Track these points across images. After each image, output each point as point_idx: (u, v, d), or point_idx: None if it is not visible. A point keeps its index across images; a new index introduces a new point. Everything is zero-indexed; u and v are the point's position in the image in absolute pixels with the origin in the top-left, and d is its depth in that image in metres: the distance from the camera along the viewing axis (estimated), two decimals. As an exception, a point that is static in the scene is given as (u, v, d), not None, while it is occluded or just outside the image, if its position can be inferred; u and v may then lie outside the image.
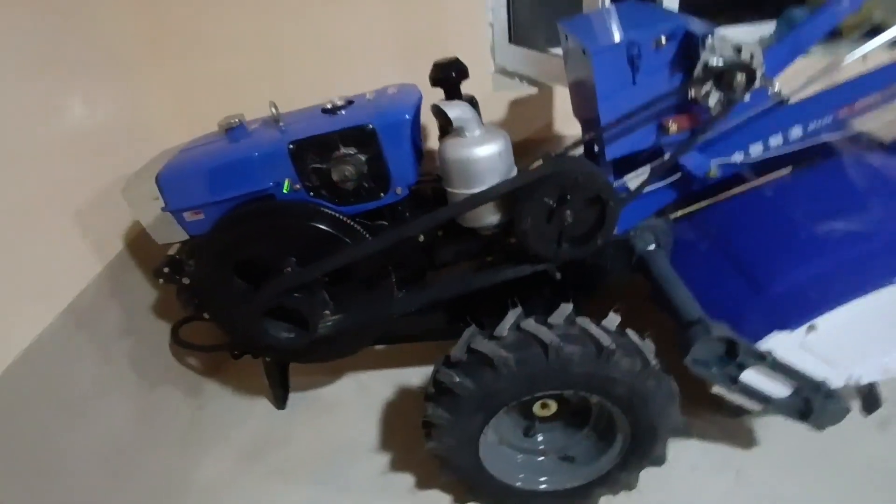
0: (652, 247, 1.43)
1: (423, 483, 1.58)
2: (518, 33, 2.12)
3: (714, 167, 1.29)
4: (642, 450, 1.30)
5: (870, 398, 1.45)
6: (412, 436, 1.69)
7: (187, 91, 1.89)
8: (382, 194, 1.31)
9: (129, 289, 1.66)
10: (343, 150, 1.26)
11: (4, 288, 1.24)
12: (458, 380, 1.18)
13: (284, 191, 1.28)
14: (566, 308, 1.22)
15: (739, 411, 1.63)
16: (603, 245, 1.30)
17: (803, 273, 1.20)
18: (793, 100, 1.26)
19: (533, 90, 1.99)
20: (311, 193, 1.30)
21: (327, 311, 1.38)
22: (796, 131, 1.25)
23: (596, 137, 1.29)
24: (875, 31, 1.40)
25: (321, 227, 1.28)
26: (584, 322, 1.18)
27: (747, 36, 2.12)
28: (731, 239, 1.41)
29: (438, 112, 1.22)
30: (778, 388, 1.26)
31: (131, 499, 1.55)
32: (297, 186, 1.29)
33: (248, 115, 1.40)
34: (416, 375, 1.96)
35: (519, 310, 1.23)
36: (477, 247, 1.43)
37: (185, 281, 1.41)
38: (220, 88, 1.88)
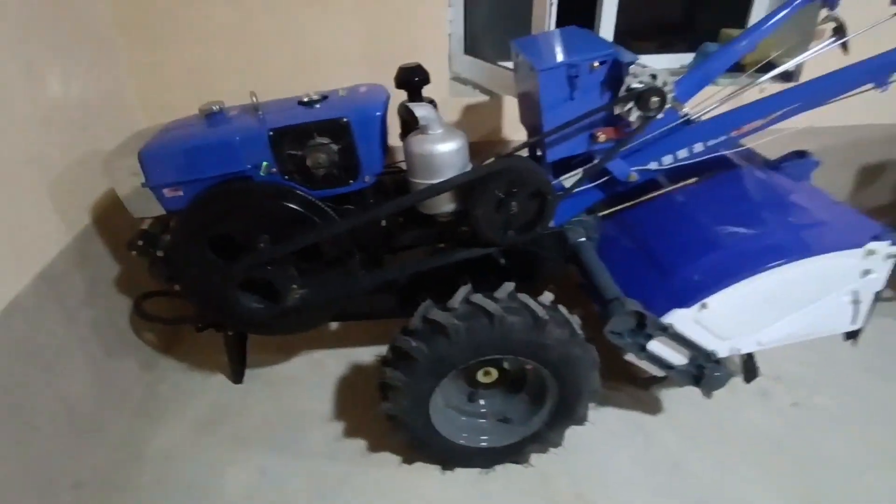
0: (582, 239, 1.66)
1: (373, 447, 1.74)
2: (473, 45, 2.33)
3: (633, 173, 1.53)
4: (568, 410, 1.53)
5: (749, 369, 1.75)
6: (363, 406, 1.86)
7: (161, 77, 1.96)
8: (352, 181, 1.47)
9: (95, 261, 1.72)
10: (318, 140, 1.40)
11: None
12: (414, 345, 1.36)
13: (262, 173, 1.41)
14: (509, 286, 1.42)
15: (650, 384, 1.92)
16: (542, 236, 1.52)
17: (699, 263, 1.47)
18: (698, 121, 1.54)
19: (485, 98, 2.20)
20: (286, 177, 1.44)
21: (295, 286, 1.52)
22: (698, 146, 1.52)
23: (539, 142, 1.50)
24: (769, 65, 1.71)
25: (294, 207, 1.42)
26: (524, 297, 1.39)
27: (672, 64, 2.44)
28: (646, 235, 1.67)
29: (406, 111, 1.39)
30: (677, 357, 1.51)
31: (91, 462, 1.61)
32: (274, 170, 1.42)
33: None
34: (368, 354, 2.11)
35: (469, 286, 1.42)
36: (433, 233, 1.61)
37: (159, 253, 1.50)
38: (194, 77, 1.96)
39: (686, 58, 2.45)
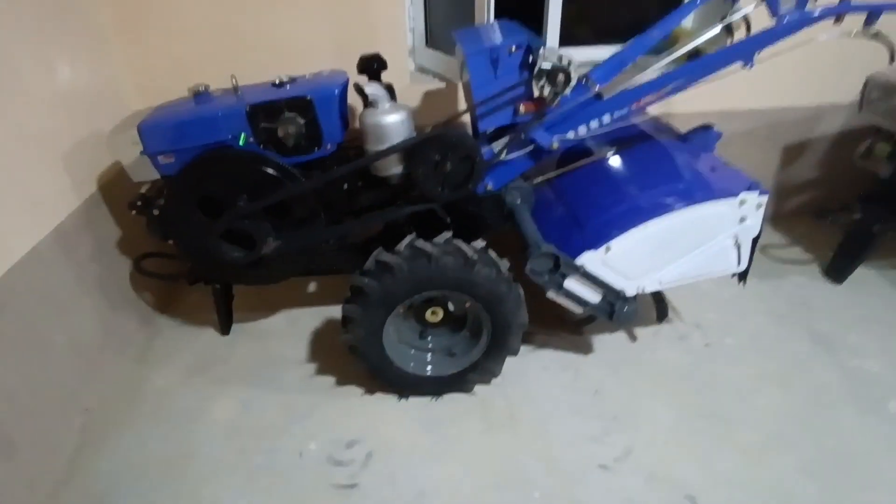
0: (518, 201, 1.96)
1: (339, 382, 2.03)
2: (434, 38, 2.62)
3: (556, 141, 1.82)
4: (501, 341, 1.81)
5: (660, 308, 2.04)
6: (332, 352, 2.15)
7: (153, 67, 2.25)
8: (316, 149, 1.76)
9: (100, 224, 2.00)
10: (287, 114, 1.69)
11: (5, 207, 1.57)
12: (367, 281, 1.64)
13: (241, 143, 1.70)
14: (446, 234, 1.71)
15: (579, 327, 2.21)
16: (483, 198, 1.81)
17: (605, 214, 1.76)
18: (605, 97, 1.83)
19: (442, 85, 2.49)
20: (261, 146, 1.73)
21: (270, 238, 1.80)
22: (606, 118, 1.81)
23: (472, 115, 1.79)
24: (697, 51, 2.00)
25: (268, 170, 1.71)
26: (458, 242, 1.68)
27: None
28: (570, 196, 1.96)
29: (359, 90, 1.68)
30: (591, 295, 1.81)
31: (98, 393, 1.89)
32: (251, 139, 1.71)
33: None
34: (339, 311, 2.39)
35: (414, 235, 1.71)
36: (387, 195, 1.90)
37: (155, 212, 1.78)
38: (181, 67, 2.25)
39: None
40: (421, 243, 1.64)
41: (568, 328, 2.21)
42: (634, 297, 1.83)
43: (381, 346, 1.77)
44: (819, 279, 2.52)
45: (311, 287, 2.57)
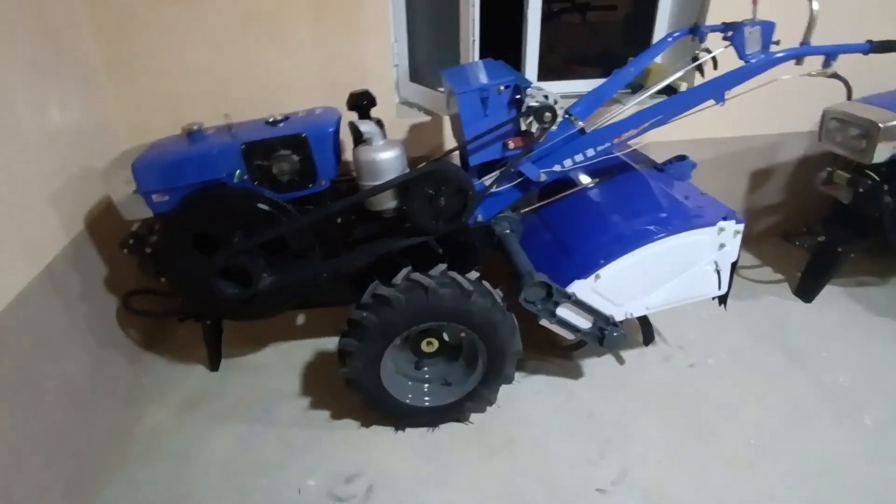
0: (507, 231, 2.02)
1: (335, 415, 2.03)
2: (418, 73, 2.71)
3: (542, 174, 1.90)
4: (496, 370, 1.85)
5: (646, 332, 2.12)
6: (327, 385, 2.15)
7: (143, 106, 2.26)
8: (310, 185, 1.79)
9: (88, 262, 1.98)
10: (282, 152, 1.73)
11: (-2, 247, 1.56)
12: (365, 315, 1.67)
13: (235, 180, 1.72)
14: (441, 266, 1.76)
15: (569, 352, 2.27)
16: (473, 229, 1.87)
17: (592, 243, 1.84)
18: (588, 131, 1.93)
19: (427, 118, 2.57)
20: (256, 182, 1.75)
21: (265, 273, 1.81)
22: (591, 152, 1.90)
23: (463, 151, 1.86)
24: (669, 87, 2.13)
25: (263, 206, 1.73)
26: (453, 274, 1.73)
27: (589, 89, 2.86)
28: (557, 225, 2.03)
29: (354, 127, 1.73)
30: (582, 322, 1.87)
31: (87, 437, 1.85)
32: (245, 177, 1.73)
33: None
34: (331, 343, 2.39)
35: (410, 268, 1.75)
36: (380, 228, 1.93)
37: (148, 250, 1.78)
38: (171, 105, 2.27)
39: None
40: (417, 276, 1.68)
41: (558, 353, 2.27)
42: (622, 323, 1.90)
43: (379, 379, 1.79)
44: (790, 298, 2.65)
45: (300, 320, 2.57)
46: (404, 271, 1.73)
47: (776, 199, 3.09)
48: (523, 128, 1.76)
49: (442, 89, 2.47)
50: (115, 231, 2.05)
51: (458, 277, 1.71)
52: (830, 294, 2.62)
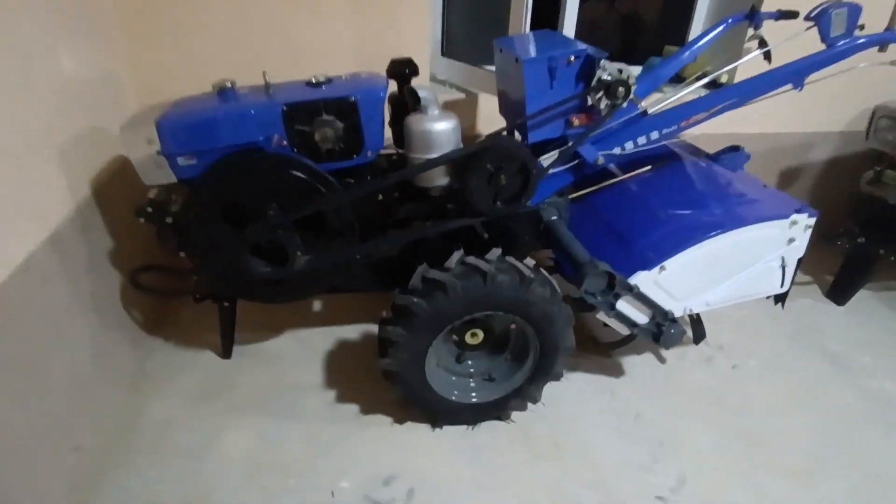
0: (555, 217, 1.87)
1: (365, 410, 1.86)
2: (449, 48, 2.54)
3: (601, 156, 1.77)
4: (547, 366, 1.71)
5: (697, 331, 2.01)
6: (353, 376, 1.98)
7: (157, 64, 2.05)
8: (354, 156, 1.61)
9: (94, 231, 1.76)
10: (325, 117, 1.55)
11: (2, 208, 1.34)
12: (416, 300, 1.51)
13: (273, 145, 1.53)
14: (497, 251, 1.61)
15: (610, 349, 2.14)
16: (519, 214, 1.71)
17: (656, 232, 1.71)
18: (653, 114, 1.80)
19: (460, 96, 2.40)
20: (295, 150, 1.57)
21: (299, 252, 1.63)
22: (654, 135, 1.77)
23: (520, 127, 1.71)
24: (704, 77, 2.01)
25: (303, 177, 1.55)
26: (511, 259, 1.58)
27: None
28: (609, 214, 1.89)
29: (411, 93, 1.56)
30: (640, 316, 1.74)
31: (90, 428, 1.64)
32: (284, 142, 1.54)
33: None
34: (353, 331, 2.23)
35: (462, 251, 1.60)
36: (425, 208, 1.77)
37: (169, 221, 1.58)
38: (188, 67, 2.05)
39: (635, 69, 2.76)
40: (474, 260, 1.53)
41: (597, 350, 2.14)
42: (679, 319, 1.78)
43: (423, 373, 1.63)
44: (822, 301, 2.59)
45: (317, 305, 2.38)
46: (457, 254, 1.57)
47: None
48: (590, 103, 1.62)
49: (488, 67, 2.30)
50: (123, 199, 1.85)
51: (518, 264, 1.56)
52: (862, 298, 2.56)
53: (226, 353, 2.05)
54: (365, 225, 1.71)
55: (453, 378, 1.76)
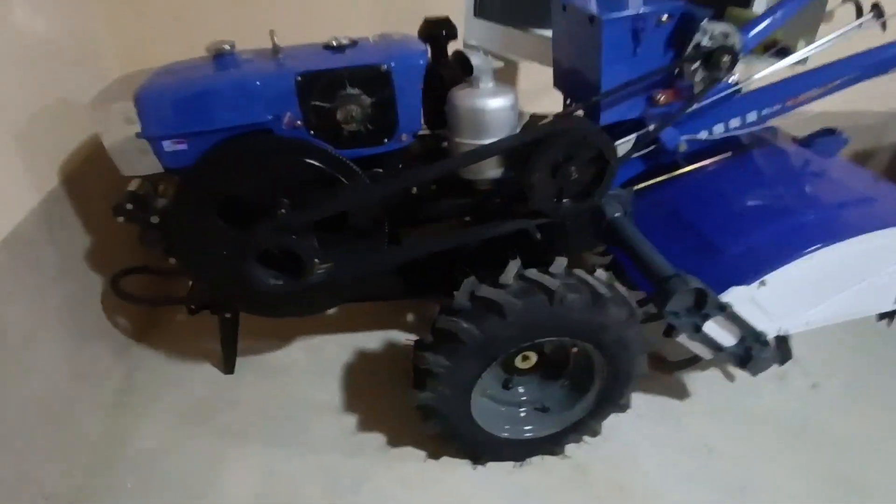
0: (619, 213, 1.55)
1: (392, 441, 1.58)
2: (482, 8, 2.16)
3: (683, 142, 1.44)
4: (615, 396, 1.42)
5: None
6: (374, 396, 1.69)
7: (139, 26, 1.70)
8: (386, 140, 1.28)
9: (65, 230, 1.45)
10: (350, 90, 1.21)
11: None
12: (465, 326, 1.20)
13: (284, 126, 1.20)
14: (562, 260, 1.29)
15: (678, 368, 1.85)
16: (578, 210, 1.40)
17: (754, 237, 1.39)
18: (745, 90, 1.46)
19: (498, 64, 2.05)
20: (312, 132, 1.24)
21: (317, 259, 1.32)
22: (752, 116, 1.44)
23: (590, 104, 1.37)
24: (782, 50, 1.66)
25: (323, 167, 1.22)
26: (581, 273, 1.27)
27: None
28: (685, 211, 1.57)
29: (460, 60, 1.22)
30: (727, 338, 1.44)
31: (64, 469, 1.36)
32: (299, 123, 1.22)
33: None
34: (372, 339, 1.93)
35: (518, 261, 1.28)
36: (466, 204, 1.45)
37: (154, 220, 1.27)
38: (176, 28, 1.71)
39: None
40: (536, 274, 1.22)
41: (654, 366, 1.84)
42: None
43: (468, 409, 1.34)
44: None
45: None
46: (513, 266, 1.26)
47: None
48: (677, 72, 1.29)
49: (538, 31, 1.94)
50: (101, 189, 1.52)
51: (590, 279, 1.25)
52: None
53: (228, 367, 1.76)
54: (394, 223, 1.40)
55: (501, 409, 1.47)
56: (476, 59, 1.23)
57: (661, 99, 1.34)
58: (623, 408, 1.47)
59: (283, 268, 1.30)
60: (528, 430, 1.45)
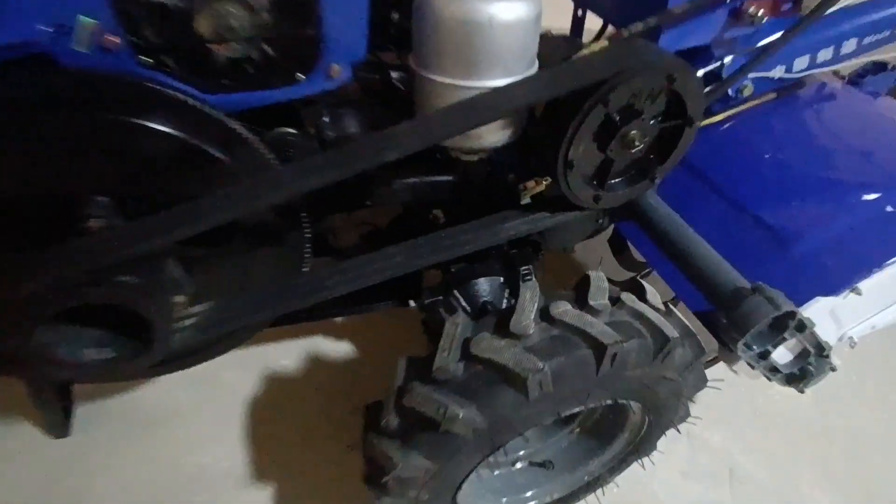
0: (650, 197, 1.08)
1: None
2: None
3: (749, 83, 0.98)
4: (647, 448, 1.03)
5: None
6: (305, 451, 1.18)
7: None
8: (301, 75, 0.68)
9: None
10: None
11: None
12: (461, 414, 0.70)
13: (79, 46, 0.56)
14: (600, 280, 0.81)
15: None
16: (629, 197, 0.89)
17: (837, 228, 1.00)
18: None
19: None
20: (144, 59, 0.60)
21: (181, 297, 0.72)
22: (849, 45, 1.00)
23: (653, 25, 0.84)
24: None
25: (169, 131, 0.61)
26: (634, 302, 0.79)
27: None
28: (723, 177, 1.14)
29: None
30: (786, 357, 1.08)
31: None
32: (115, 39, 0.57)
33: None
34: (286, 355, 1.38)
35: (535, 286, 0.78)
36: (437, 185, 0.89)
37: None
38: None
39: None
40: (577, 318, 0.73)
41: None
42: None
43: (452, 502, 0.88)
44: None
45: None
46: (529, 296, 0.75)
47: None
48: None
49: None
50: None
51: (650, 313, 0.79)
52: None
53: (59, 429, 1.14)
54: (318, 216, 0.83)
55: (494, 473, 1.03)
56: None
57: (759, 13, 0.83)
58: (648, 452, 1.09)
59: (116, 322, 0.69)
60: (530, 497, 1.02)
